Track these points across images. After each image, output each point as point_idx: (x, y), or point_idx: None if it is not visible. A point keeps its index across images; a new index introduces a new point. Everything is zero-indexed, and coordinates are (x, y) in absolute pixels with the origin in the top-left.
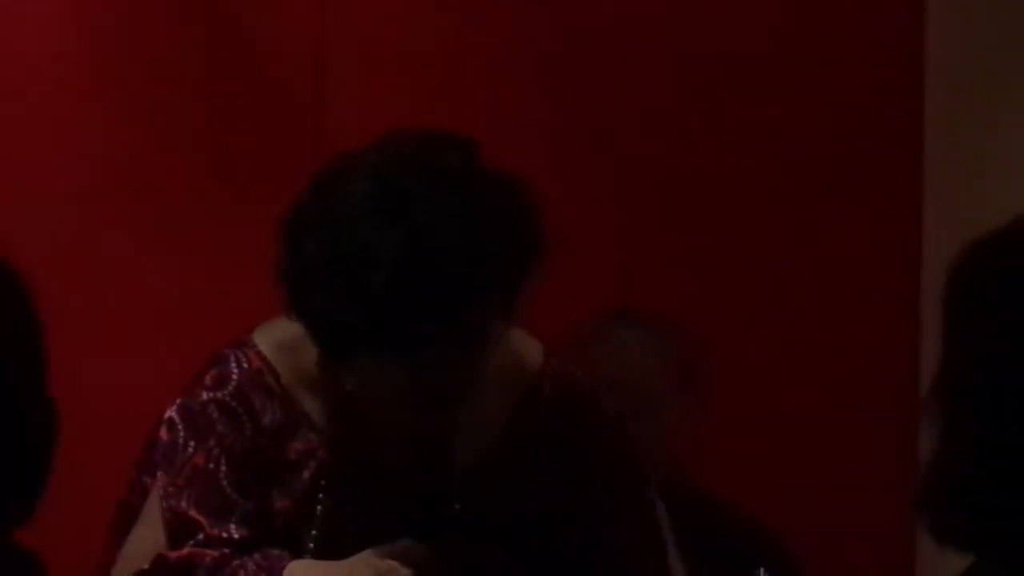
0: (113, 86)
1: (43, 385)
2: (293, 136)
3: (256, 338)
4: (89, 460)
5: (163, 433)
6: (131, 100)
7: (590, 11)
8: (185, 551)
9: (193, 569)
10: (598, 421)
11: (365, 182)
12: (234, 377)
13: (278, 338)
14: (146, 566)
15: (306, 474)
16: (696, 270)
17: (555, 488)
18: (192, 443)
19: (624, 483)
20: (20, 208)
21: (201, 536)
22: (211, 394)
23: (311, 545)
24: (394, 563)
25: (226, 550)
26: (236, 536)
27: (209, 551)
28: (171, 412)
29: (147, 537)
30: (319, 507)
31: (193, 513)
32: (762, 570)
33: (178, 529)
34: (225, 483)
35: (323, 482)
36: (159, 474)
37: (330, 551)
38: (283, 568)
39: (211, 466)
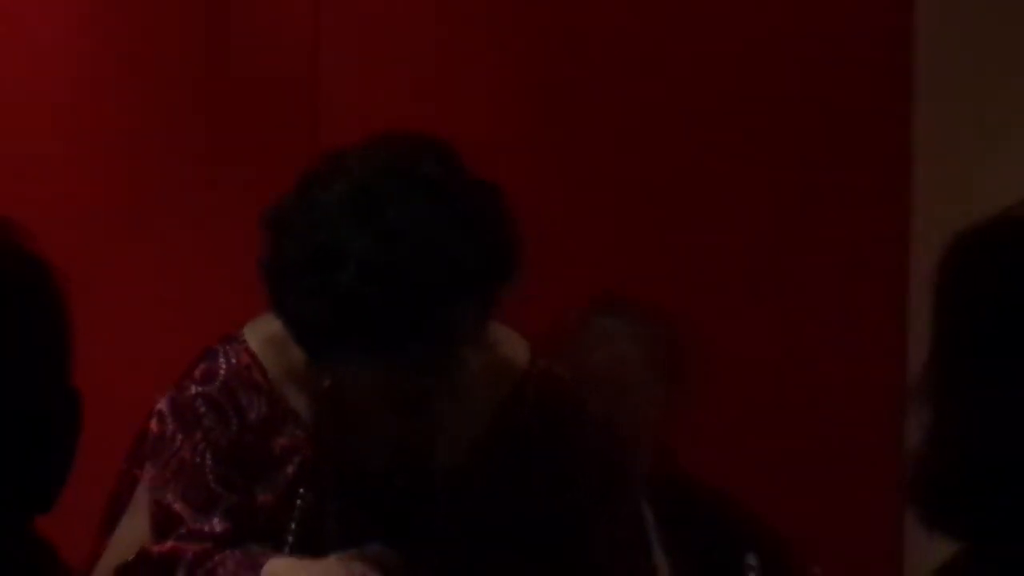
0: (118, 85)
1: (66, 375)
2: (290, 135)
3: (246, 333)
4: (85, 451)
5: (153, 425)
6: (135, 98)
7: (582, 13)
8: (168, 545)
9: (175, 563)
10: (582, 422)
11: (342, 184)
12: (222, 372)
13: (267, 334)
14: (131, 557)
15: (290, 469)
16: (687, 263)
17: (538, 488)
18: (180, 436)
19: (608, 484)
20: (30, 203)
21: (184, 530)
22: (199, 388)
23: (290, 539)
24: (366, 567)
25: (208, 544)
26: (218, 530)
27: (191, 546)
28: (161, 405)
29: (135, 527)
30: (299, 502)
31: (177, 507)
32: (751, 555)
33: (163, 522)
34: (210, 477)
35: (305, 478)
36: (147, 465)
37: (309, 547)
38: (262, 565)
39: (197, 460)
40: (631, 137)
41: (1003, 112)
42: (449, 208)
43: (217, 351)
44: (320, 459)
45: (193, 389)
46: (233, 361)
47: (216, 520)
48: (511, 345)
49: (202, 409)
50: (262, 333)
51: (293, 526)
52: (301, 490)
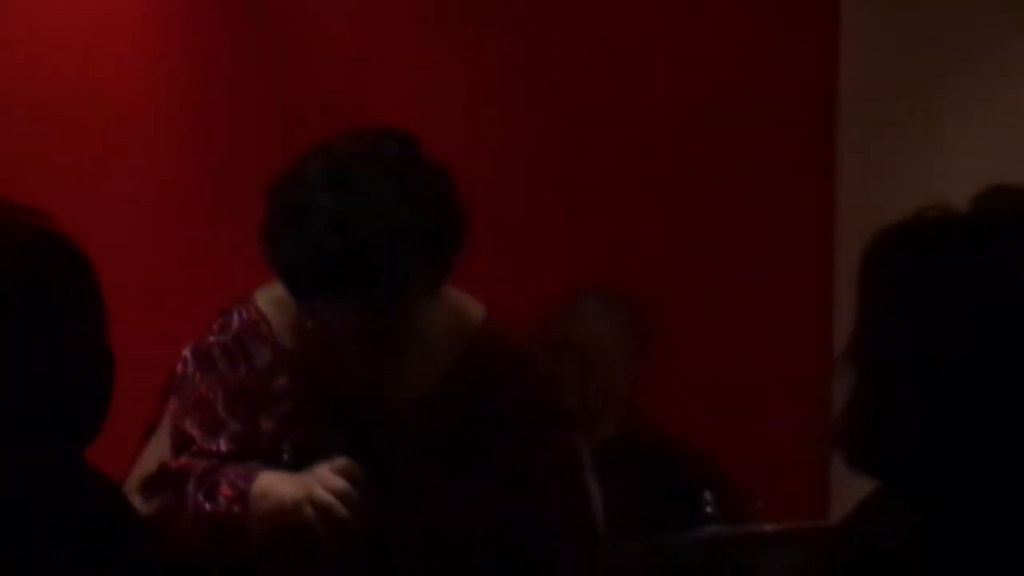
0: (192, 110)
1: (104, 336)
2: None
3: (257, 296)
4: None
5: (179, 368)
6: (206, 120)
7: (568, 46)
8: (182, 460)
9: (187, 474)
10: (525, 369)
11: (320, 161)
12: (235, 326)
13: (273, 296)
14: (153, 470)
15: (286, 403)
16: (650, 260)
17: (488, 421)
18: (198, 376)
19: (545, 421)
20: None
21: (195, 448)
22: (216, 339)
23: (286, 458)
24: (331, 474)
25: (215, 461)
26: (224, 450)
27: (201, 461)
28: (186, 352)
29: (159, 448)
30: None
31: (192, 431)
32: (707, 492)
33: (179, 443)
34: (220, 408)
35: (297, 410)
36: (171, 399)
37: (301, 465)
38: (256, 476)
39: (211, 395)
40: (605, 154)
41: (920, 122)
42: (401, 180)
43: (232, 310)
44: (308, 393)
45: (211, 339)
46: (244, 317)
47: (222, 442)
48: (470, 307)
49: (217, 355)
50: (269, 295)
51: (287, 447)
52: (294, 419)
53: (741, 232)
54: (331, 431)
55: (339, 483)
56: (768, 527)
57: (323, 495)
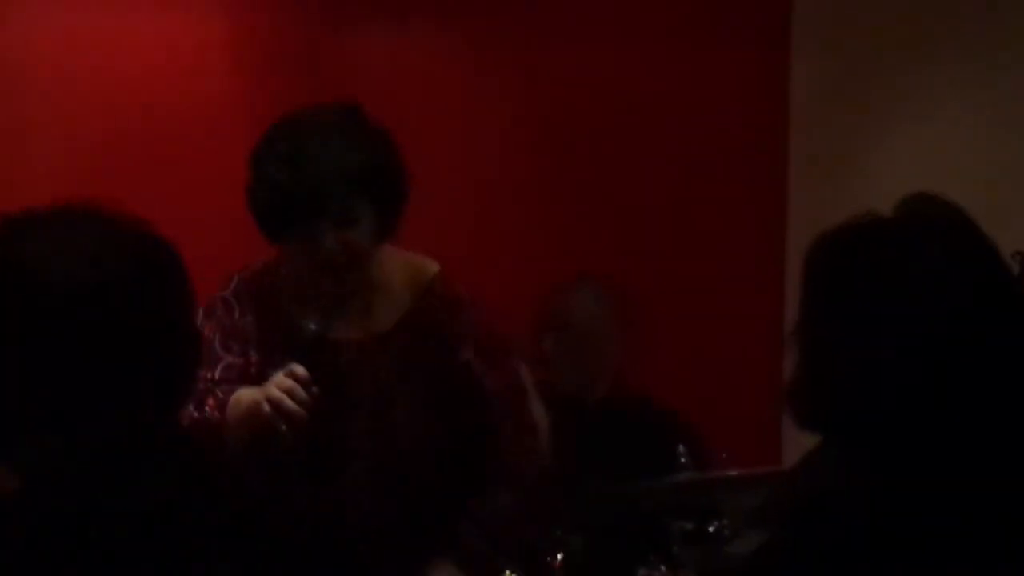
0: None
1: (194, 322)
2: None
3: (257, 262)
4: None
5: None
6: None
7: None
8: None
9: None
10: (471, 309)
11: (279, 123)
12: (233, 283)
13: (269, 259)
14: None
15: (275, 338)
16: (635, 254)
17: (438, 349)
18: (204, 322)
19: (491, 349)
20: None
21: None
22: (219, 293)
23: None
24: (282, 376)
25: (210, 385)
26: (217, 377)
27: (198, 385)
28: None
29: None
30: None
31: None
32: (681, 445)
33: None
34: (217, 346)
35: (280, 343)
36: None
37: None
38: (235, 391)
39: (210, 336)
40: (594, 176)
41: (864, 132)
42: (345, 133)
43: (234, 273)
44: (271, 324)
45: (217, 294)
46: (244, 276)
47: (217, 371)
48: (426, 263)
49: (218, 305)
50: (265, 259)
51: (272, 373)
52: (277, 351)
53: (709, 233)
54: (305, 359)
55: (287, 382)
56: (731, 473)
57: (274, 392)
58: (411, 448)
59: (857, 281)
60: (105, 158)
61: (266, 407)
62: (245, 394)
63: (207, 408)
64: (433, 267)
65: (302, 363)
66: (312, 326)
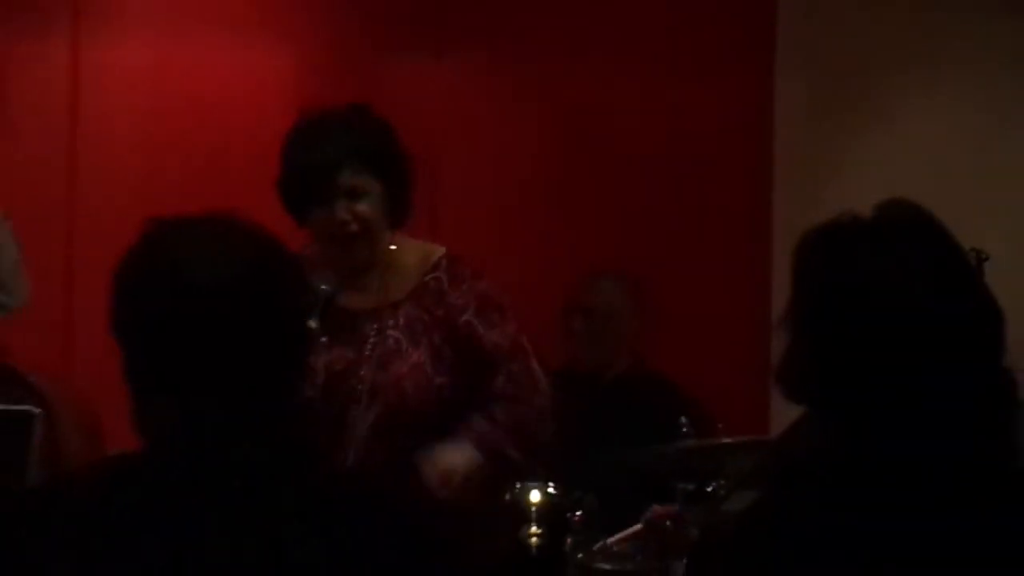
0: None
1: (306, 318)
2: None
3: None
4: None
5: None
6: None
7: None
8: None
9: None
10: (473, 277)
11: (300, 122)
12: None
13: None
14: None
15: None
16: (648, 250)
17: (445, 314)
18: None
19: (490, 313)
20: None
21: None
22: None
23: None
24: None
25: None
26: None
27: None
28: None
29: None
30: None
31: None
32: (684, 417)
33: None
34: None
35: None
36: None
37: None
38: None
39: None
40: (607, 184)
41: (843, 141)
42: (352, 125)
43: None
44: (327, 293)
45: None
46: (306, 254)
47: None
48: (434, 246)
49: None
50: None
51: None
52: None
53: (706, 233)
54: (331, 326)
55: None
56: (726, 440)
57: None
58: (413, 395)
59: (837, 274)
60: (184, 173)
61: None
62: None
63: None
64: (440, 249)
65: (316, 320)
66: (324, 287)
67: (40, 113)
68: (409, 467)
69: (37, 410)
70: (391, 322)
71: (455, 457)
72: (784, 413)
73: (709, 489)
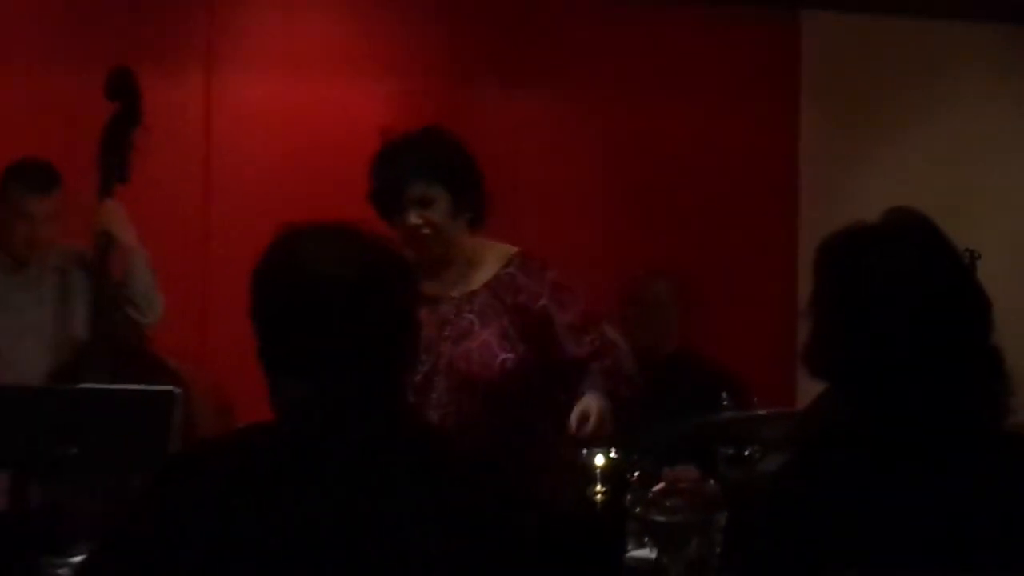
0: None
1: (417, 313)
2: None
3: None
4: None
5: None
6: None
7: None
8: None
9: None
10: (542, 269)
11: (383, 145)
12: None
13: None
14: None
15: None
16: (689, 255)
17: (525, 300)
18: None
19: (563, 294)
20: None
21: None
22: None
23: None
24: None
25: None
26: None
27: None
28: None
29: None
30: None
31: None
32: (724, 392)
33: None
34: None
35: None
36: None
37: None
38: None
39: None
40: (654, 202)
41: (870, 139)
42: (423, 143)
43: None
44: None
45: None
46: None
47: None
48: (508, 246)
49: None
50: None
51: None
52: None
53: (744, 235)
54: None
55: None
56: (760, 412)
57: None
58: (479, 366)
59: (853, 270)
60: (308, 192)
61: None
62: None
63: None
64: (513, 249)
65: None
66: None
67: (177, 147)
68: (478, 426)
69: (177, 390)
70: (468, 307)
71: (590, 402)
72: (809, 389)
73: (746, 453)
